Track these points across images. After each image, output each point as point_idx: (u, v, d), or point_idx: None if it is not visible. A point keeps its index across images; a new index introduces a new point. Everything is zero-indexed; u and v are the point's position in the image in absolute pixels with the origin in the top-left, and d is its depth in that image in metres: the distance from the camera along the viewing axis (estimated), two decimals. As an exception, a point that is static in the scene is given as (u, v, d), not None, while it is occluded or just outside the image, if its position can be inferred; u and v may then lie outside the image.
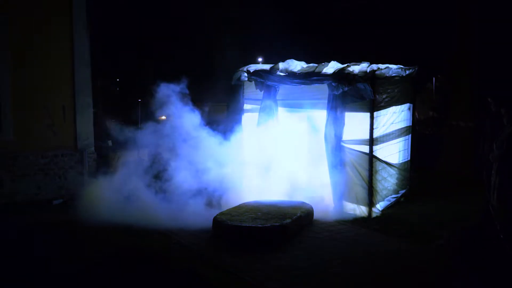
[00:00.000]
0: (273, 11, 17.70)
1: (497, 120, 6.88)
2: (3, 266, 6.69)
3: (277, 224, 7.91)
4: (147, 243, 7.60)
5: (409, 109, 10.45)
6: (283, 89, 9.97)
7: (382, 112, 9.42)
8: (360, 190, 9.28)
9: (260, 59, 19.25)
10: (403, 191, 10.29)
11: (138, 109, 12.13)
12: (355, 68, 9.19)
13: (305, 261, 6.98)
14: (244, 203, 9.00)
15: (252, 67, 10.66)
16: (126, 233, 8.02)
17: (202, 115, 9.78)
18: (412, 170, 10.77)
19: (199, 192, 9.50)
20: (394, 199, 9.93)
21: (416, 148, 10.98)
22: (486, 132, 7.20)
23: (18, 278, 6.31)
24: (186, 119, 9.70)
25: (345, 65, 9.49)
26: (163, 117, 15.28)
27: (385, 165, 9.60)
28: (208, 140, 9.67)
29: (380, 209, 9.39)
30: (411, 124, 10.64)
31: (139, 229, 8.18)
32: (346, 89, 9.15)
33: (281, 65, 10.08)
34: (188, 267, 6.54)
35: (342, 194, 9.45)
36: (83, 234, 8.07)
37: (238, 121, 10.50)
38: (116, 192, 10.23)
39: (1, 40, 10.18)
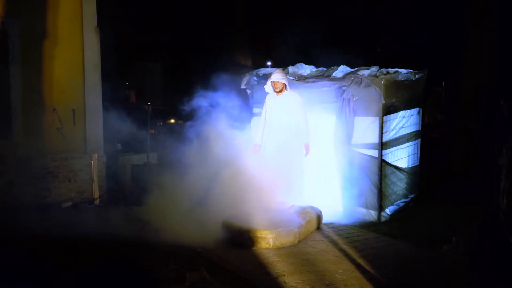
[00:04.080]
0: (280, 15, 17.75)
1: (507, 123, 6.86)
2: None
3: (285, 228, 7.92)
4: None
5: (418, 113, 10.43)
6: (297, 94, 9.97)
7: (392, 116, 9.42)
8: (369, 195, 9.27)
9: (269, 63, 19.25)
10: (412, 196, 10.27)
11: (148, 112, 12.12)
12: (365, 72, 9.18)
13: (313, 266, 6.98)
14: (252, 207, 8.98)
15: (262, 71, 10.68)
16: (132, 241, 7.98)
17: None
18: (421, 175, 10.75)
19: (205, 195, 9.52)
20: (403, 204, 9.91)
21: (425, 152, 10.96)
22: (496, 135, 7.16)
23: None
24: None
25: (355, 69, 9.49)
26: (172, 120, 15.31)
27: (395, 170, 9.59)
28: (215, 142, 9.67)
29: (389, 213, 9.38)
30: (420, 129, 10.62)
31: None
32: (355, 93, 9.15)
33: (291, 69, 10.10)
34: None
35: (351, 198, 9.44)
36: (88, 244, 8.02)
37: (248, 124, 10.49)
38: (125, 197, 10.29)
39: (12, 43, 10.24)
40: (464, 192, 10.84)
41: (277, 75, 8.71)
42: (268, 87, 8.91)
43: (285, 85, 8.76)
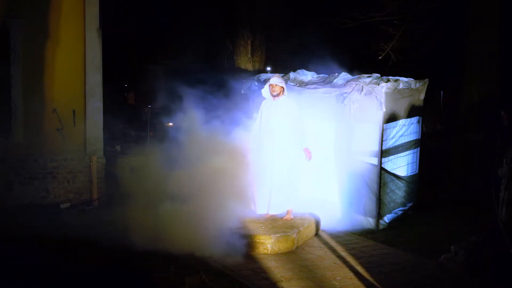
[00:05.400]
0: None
1: (508, 134, 6.89)
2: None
3: (283, 234, 7.94)
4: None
5: (418, 122, 10.45)
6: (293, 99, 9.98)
7: (392, 124, 9.43)
8: (368, 202, 9.27)
9: (268, 69, 19.25)
10: (410, 204, 10.27)
11: (147, 115, 12.14)
12: (366, 80, 9.20)
13: (310, 272, 6.99)
14: (251, 212, 9.00)
15: (263, 76, 10.69)
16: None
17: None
18: (420, 183, 10.76)
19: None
20: (401, 212, 9.91)
21: (424, 161, 10.98)
22: (496, 146, 7.19)
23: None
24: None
25: (356, 76, 9.51)
26: (170, 124, 15.31)
27: (393, 178, 9.60)
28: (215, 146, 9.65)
29: (388, 221, 9.38)
30: (419, 137, 10.64)
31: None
32: (356, 100, 9.17)
33: (292, 75, 10.13)
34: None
35: (350, 206, 9.45)
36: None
37: (247, 129, 10.47)
38: (124, 199, 10.24)
39: (13, 42, 10.24)
40: (463, 202, 10.87)
41: (275, 79, 8.74)
42: (265, 91, 8.90)
43: (283, 89, 8.75)
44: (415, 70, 13.83)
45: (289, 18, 18.34)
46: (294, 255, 7.71)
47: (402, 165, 9.98)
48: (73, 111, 10.74)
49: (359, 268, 7.17)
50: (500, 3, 11.76)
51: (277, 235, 7.89)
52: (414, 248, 8.20)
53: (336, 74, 9.79)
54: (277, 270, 7.04)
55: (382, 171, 9.21)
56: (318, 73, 10.37)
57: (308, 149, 8.72)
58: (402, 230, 9.21)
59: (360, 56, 15.65)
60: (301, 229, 8.28)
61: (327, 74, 10.12)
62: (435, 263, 7.43)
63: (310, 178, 9.67)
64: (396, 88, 9.29)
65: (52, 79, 10.55)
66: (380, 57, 14.90)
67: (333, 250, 8.01)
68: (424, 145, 11.22)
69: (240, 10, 16.73)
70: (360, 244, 8.39)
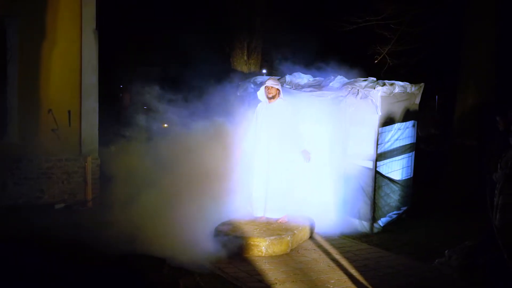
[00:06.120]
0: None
1: (503, 139, 6.90)
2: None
3: (278, 236, 7.93)
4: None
5: (413, 126, 10.47)
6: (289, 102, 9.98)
7: (387, 128, 9.45)
8: (363, 205, 9.28)
9: (264, 71, 19.25)
10: (405, 208, 10.29)
11: (144, 115, 12.10)
12: (362, 84, 9.21)
13: (305, 275, 6.98)
14: (246, 215, 9.00)
15: (259, 79, 10.69)
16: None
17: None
18: (415, 187, 10.78)
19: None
20: (396, 216, 9.93)
21: (420, 165, 10.99)
22: (492, 151, 7.21)
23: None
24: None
25: (352, 80, 9.53)
26: (165, 125, 15.28)
27: (388, 181, 9.61)
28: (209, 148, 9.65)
29: (382, 225, 9.39)
30: (415, 141, 10.66)
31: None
32: (352, 104, 9.19)
33: (288, 78, 10.13)
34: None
35: (344, 209, 9.45)
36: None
37: (243, 131, 10.47)
38: (119, 200, 10.23)
39: (10, 42, 10.23)
40: (460, 204, 10.88)
41: (271, 81, 8.76)
42: (261, 93, 8.91)
43: (279, 91, 8.77)
44: (411, 73, 13.86)
45: (286, 20, 18.37)
46: (288, 258, 7.70)
47: (397, 168, 10.00)
48: (69, 111, 10.74)
49: (353, 272, 7.17)
50: (497, 6, 11.80)
51: (272, 237, 7.88)
52: (408, 251, 8.21)
53: (332, 77, 9.79)
54: (271, 272, 7.02)
55: (377, 174, 9.22)
56: (314, 76, 10.37)
57: (306, 150, 8.74)
58: (396, 234, 9.23)
59: (356, 60, 15.67)
60: (295, 232, 8.27)
61: (323, 77, 10.13)
62: (429, 267, 7.43)
63: (305, 180, 9.65)
64: (392, 92, 9.31)
65: (48, 79, 10.54)
66: (376, 61, 14.92)
67: (328, 253, 8.00)
68: (419, 149, 11.22)
69: (237, 12, 16.75)
70: (355, 247, 8.40)
